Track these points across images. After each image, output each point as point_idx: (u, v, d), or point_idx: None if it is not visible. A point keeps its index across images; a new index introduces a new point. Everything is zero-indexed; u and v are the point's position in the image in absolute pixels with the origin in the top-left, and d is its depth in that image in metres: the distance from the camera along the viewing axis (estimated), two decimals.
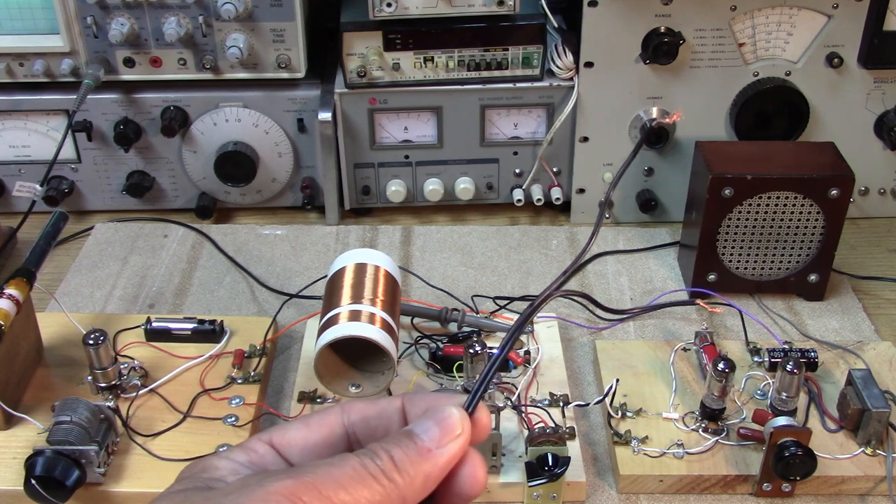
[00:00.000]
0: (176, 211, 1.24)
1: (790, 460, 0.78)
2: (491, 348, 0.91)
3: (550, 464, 0.77)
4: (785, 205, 1.00)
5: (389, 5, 1.07)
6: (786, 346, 0.95)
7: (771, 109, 1.13)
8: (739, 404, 0.88)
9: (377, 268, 0.88)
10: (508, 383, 0.90)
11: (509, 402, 0.87)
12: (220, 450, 0.83)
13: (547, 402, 0.88)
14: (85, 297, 1.08)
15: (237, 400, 0.89)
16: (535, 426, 0.83)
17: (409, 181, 1.21)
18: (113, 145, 1.18)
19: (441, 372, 0.92)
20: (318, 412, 0.47)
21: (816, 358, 0.93)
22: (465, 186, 1.20)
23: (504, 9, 1.09)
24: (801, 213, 1.00)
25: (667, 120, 1.04)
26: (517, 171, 1.20)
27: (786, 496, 0.83)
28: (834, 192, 0.98)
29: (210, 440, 0.84)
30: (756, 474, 0.82)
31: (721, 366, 0.82)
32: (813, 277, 1.04)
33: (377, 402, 0.47)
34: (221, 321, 0.96)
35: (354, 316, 0.81)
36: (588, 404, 0.89)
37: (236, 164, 1.18)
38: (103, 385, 0.88)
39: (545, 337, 0.97)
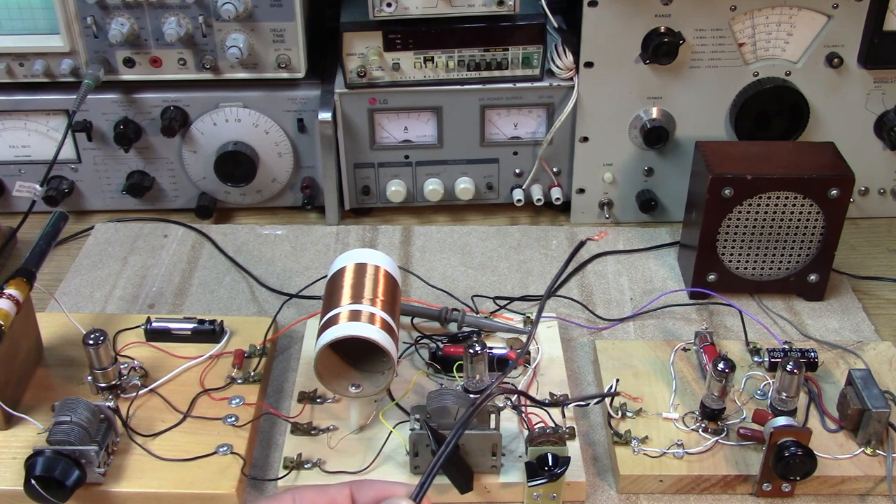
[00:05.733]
0: (176, 211, 1.24)
1: (790, 460, 0.78)
2: (491, 348, 0.91)
3: (550, 464, 0.77)
4: (785, 205, 1.00)
5: (389, 5, 1.07)
6: (786, 346, 0.95)
7: (771, 109, 1.13)
8: (739, 404, 0.88)
9: (377, 268, 0.88)
10: (508, 383, 0.90)
11: (509, 403, 0.87)
12: (220, 450, 0.83)
13: (547, 402, 0.88)
14: (85, 297, 1.08)
15: (237, 400, 0.89)
16: (535, 426, 0.83)
17: (409, 181, 1.21)
18: (113, 145, 1.18)
19: (441, 372, 0.92)
20: (269, 500, 0.49)
21: (816, 358, 0.93)
22: (465, 186, 1.20)
23: (504, 9, 1.09)
24: (801, 213, 1.00)
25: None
26: (517, 171, 1.20)
27: (786, 496, 0.82)
28: (834, 192, 0.98)
29: (210, 440, 0.84)
30: (756, 474, 0.82)
31: (721, 366, 0.82)
32: (813, 277, 1.04)
33: (327, 491, 0.49)
34: (221, 321, 0.96)
35: (354, 316, 0.81)
36: (588, 404, 0.89)
37: (236, 164, 1.18)
38: (103, 385, 0.88)
39: (545, 337, 0.97)
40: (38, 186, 1.11)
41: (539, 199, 1.20)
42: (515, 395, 0.87)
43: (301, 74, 1.15)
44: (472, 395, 0.83)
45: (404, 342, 0.96)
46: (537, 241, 1.18)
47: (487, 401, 0.48)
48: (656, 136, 1.14)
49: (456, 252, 1.16)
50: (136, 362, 0.92)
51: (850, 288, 1.09)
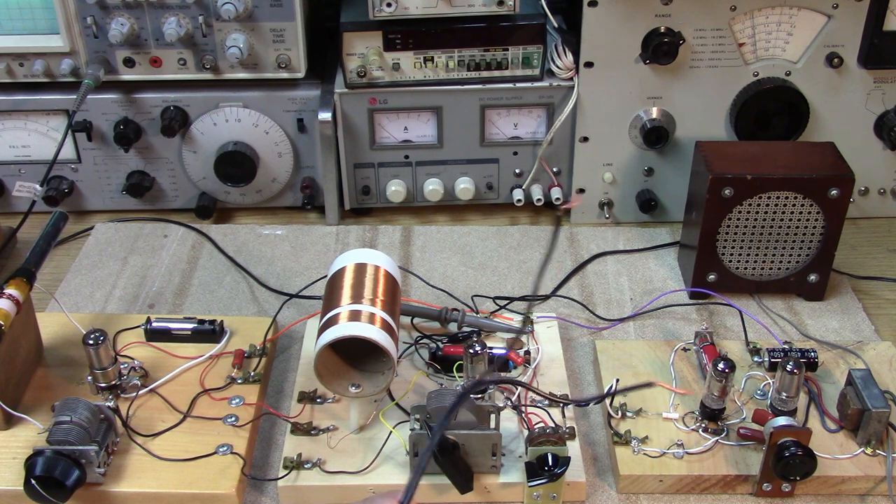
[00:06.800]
0: (176, 211, 1.24)
1: (790, 460, 0.78)
2: (491, 348, 0.91)
3: (550, 464, 0.77)
4: (785, 205, 1.00)
5: (389, 5, 1.07)
6: (786, 346, 0.95)
7: (771, 109, 1.13)
8: (739, 404, 0.88)
9: (377, 268, 0.88)
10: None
11: (509, 402, 0.87)
12: (220, 450, 0.83)
13: (547, 403, 0.88)
14: (85, 297, 1.08)
15: (237, 400, 0.89)
16: (535, 426, 0.83)
17: (409, 181, 1.21)
18: (113, 145, 1.18)
19: (441, 372, 0.92)
20: None
21: (816, 358, 0.93)
22: (465, 186, 1.20)
23: (504, 9, 1.09)
24: (801, 213, 1.00)
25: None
26: (517, 171, 1.20)
27: (786, 496, 0.82)
28: (834, 192, 0.98)
29: (210, 440, 0.84)
30: (756, 474, 0.82)
31: (721, 366, 0.82)
32: (813, 277, 1.04)
33: None
34: (221, 321, 0.96)
35: (354, 316, 0.81)
36: (588, 404, 0.89)
37: (236, 164, 1.18)
38: (103, 385, 0.88)
39: (545, 337, 0.97)
40: (38, 186, 1.11)
41: (539, 199, 1.20)
42: (516, 394, 0.87)
43: (301, 74, 1.15)
44: (472, 396, 0.83)
45: (404, 342, 0.96)
46: (537, 241, 1.18)
47: (476, 388, 0.48)
48: (656, 136, 1.14)
49: (456, 252, 1.16)
50: (136, 362, 0.92)
51: (850, 288, 1.09)
